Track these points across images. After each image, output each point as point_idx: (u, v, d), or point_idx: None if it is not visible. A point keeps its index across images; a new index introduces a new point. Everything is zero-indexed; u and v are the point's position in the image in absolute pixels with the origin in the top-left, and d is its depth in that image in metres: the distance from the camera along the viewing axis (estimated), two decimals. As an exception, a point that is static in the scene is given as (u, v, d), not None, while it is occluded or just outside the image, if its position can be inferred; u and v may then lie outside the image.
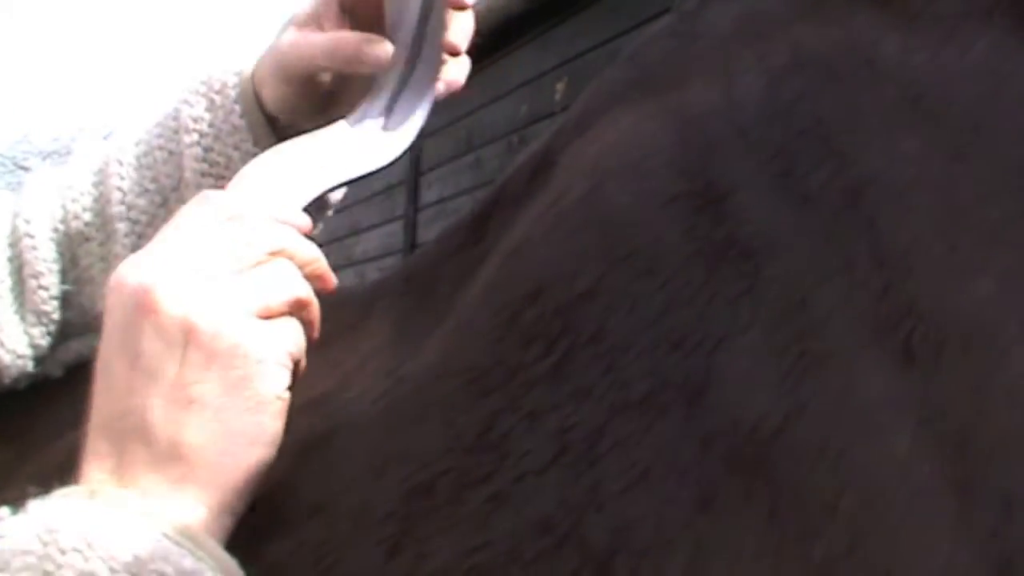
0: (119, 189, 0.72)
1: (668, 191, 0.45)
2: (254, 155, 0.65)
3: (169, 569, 0.41)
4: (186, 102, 0.71)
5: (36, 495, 0.45)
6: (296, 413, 0.49)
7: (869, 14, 0.44)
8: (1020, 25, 0.39)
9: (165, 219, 0.62)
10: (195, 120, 0.71)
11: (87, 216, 0.73)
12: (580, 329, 0.43)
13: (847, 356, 0.36)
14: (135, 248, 0.71)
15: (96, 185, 0.73)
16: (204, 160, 0.71)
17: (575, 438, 0.41)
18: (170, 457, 0.45)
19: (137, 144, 0.73)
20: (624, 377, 0.41)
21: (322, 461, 0.49)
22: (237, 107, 0.70)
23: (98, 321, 0.66)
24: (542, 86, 3.90)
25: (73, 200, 0.73)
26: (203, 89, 0.71)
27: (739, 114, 0.45)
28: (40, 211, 0.74)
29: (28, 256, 0.73)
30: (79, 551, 0.41)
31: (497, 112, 4.25)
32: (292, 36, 0.68)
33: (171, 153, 0.72)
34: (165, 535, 0.43)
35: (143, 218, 0.72)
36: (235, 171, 0.61)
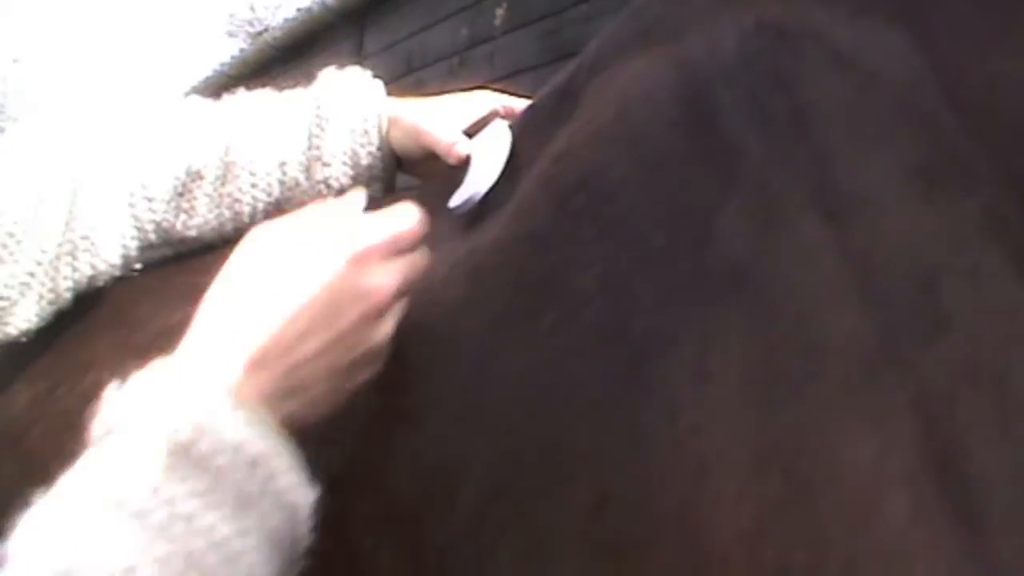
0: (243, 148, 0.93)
1: (672, 114, 0.66)
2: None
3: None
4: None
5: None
6: None
7: (808, -3, 0.66)
8: (897, 7, 0.61)
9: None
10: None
11: (209, 159, 0.93)
12: (618, 205, 0.65)
13: (794, 214, 0.58)
14: (253, 196, 0.92)
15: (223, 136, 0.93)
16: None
17: (613, 279, 0.63)
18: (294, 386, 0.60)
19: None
20: (649, 235, 0.63)
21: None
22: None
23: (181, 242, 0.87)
24: (482, 11, 4.05)
25: (198, 147, 0.93)
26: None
27: (721, 61, 0.67)
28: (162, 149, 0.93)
29: (148, 179, 0.92)
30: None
31: (438, 35, 4.39)
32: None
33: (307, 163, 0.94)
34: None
35: (261, 172, 0.93)
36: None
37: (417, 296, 0.70)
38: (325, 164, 0.94)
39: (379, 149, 0.95)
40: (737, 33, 0.67)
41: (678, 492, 0.54)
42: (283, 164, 0.93)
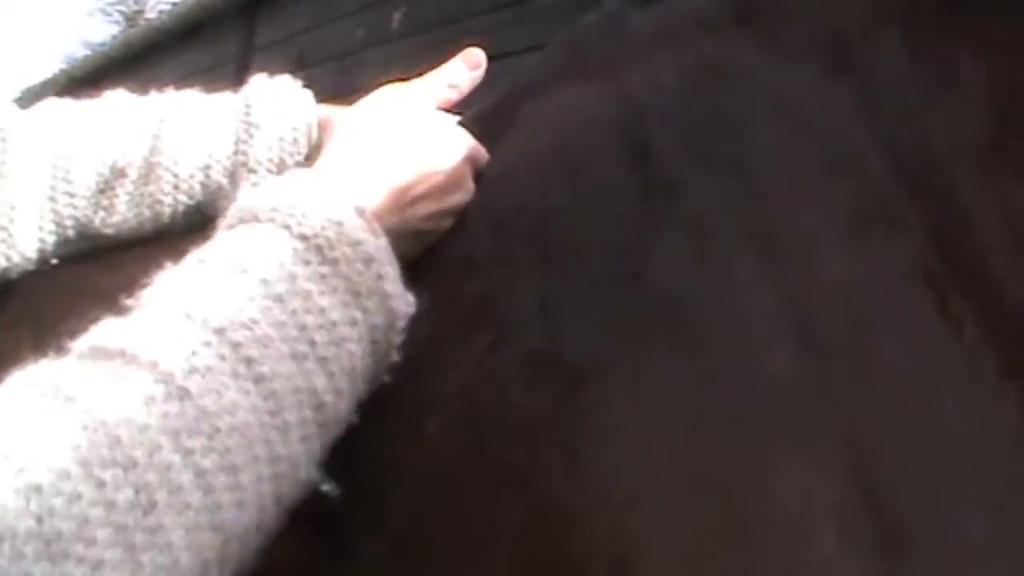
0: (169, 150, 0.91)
1: (611, 145, 0.68)
2: None
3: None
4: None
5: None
6: None
7: (747, 38, 0.69)
8: (835, 59, 0.64)
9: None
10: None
11: (133, 157, 0.91)
12: (552, 234, 0.66)
13: (730, 252, 0.61)
14: (175, 198, 0.91)
15: (152, 137, 0.91)
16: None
17: (553, 301, 0.64)
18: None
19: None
20: (585, 264, 0.64)
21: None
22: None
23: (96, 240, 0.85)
24: (380, 13, 4.04)
25: (122, 142, 0.91)
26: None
27: (660, 98, 0.69)
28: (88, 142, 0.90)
29: (71, 174, 0.89)
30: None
31: (332, 34, 4.36)
32: None
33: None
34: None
35: (184, 175, 0.91)
36: None
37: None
38: (251, 171, 0.93)
39: (307, 159, 0.95)
40: (678, 71, 0.70)
41: (610, 513, 0.56)
42: (207, 168, 0.93)
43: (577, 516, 0.57)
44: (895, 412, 0.54)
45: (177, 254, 0.90)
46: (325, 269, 0.59)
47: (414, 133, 0.71)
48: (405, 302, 0.63)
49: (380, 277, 0.61)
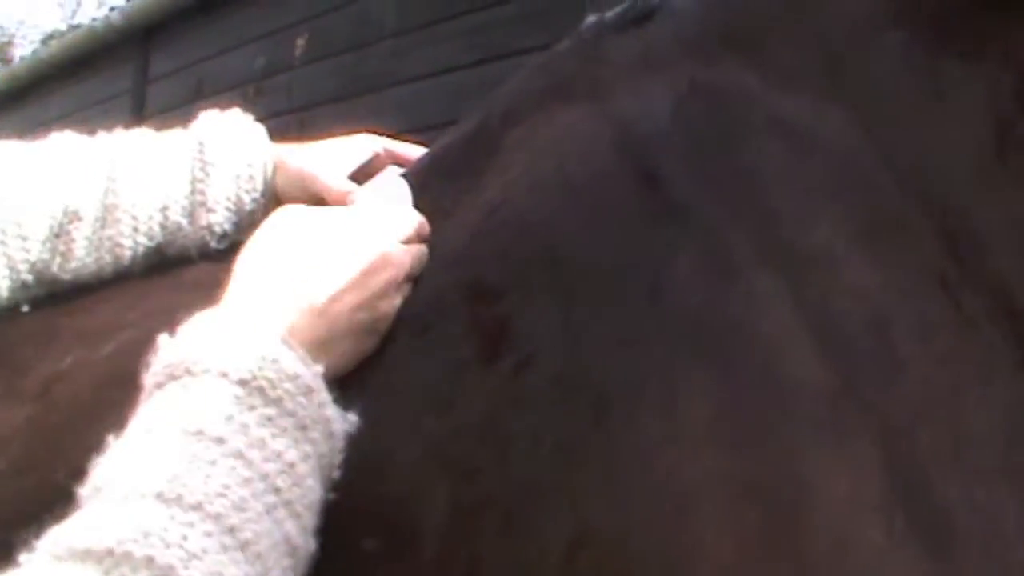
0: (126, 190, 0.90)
1: (614, 169, 0.70)
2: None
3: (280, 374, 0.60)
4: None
5: None
6: None
7: (736, 61, 0.71)
8: (832, 80, 0.67)
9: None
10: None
11: (88, 200, 0.89)
12: (565, 258, 0.68)
13: (746, 268, 0.63)
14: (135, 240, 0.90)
15: (108, 179, 0.90)
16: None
17: (573, 324, 0.65)
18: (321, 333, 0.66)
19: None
20: (603, 285, 0.66)
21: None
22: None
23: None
24: (281, 40, 4.01)
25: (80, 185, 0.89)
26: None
27: (657, 120, 0.71)
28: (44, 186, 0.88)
29: (23, 218, 0.88)
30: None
31: (231, 61, 4.31)
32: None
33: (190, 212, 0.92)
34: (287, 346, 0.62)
35: (143, 216, 0.90)
36: None
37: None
38: (209, 210, 0.93)
39: (263, 195, 0.95)
40: (671, 94, 0.72)
41: (658, 529, 0.57)
42: (165, 208, 0.92)
43: (624, 536, 0.58)
44: (923, 411, 0.57)
45: (141, 294, 0.89)
46: (271, 411, 0.59)
47: (309, 239, 0.70)
48: (346, 423, 0.64)
49: (321, 405, 0.61)
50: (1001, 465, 0.56)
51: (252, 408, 0.58)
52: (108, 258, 0.92)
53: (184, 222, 0.92)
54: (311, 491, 0.59)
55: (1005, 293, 0.59)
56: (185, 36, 4.54)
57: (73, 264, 0.91)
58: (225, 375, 0.59)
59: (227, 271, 0.87)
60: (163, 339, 0.64)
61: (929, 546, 0.54)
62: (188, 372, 0.60)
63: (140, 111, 4.70)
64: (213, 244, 0.92)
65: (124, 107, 4.74)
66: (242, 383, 0.59)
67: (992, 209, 0.60)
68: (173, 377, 0.60)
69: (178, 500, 0.53)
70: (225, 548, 0.53)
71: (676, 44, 0.75)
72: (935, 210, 0.61)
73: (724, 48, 0.73)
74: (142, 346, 0.81)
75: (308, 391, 0.61)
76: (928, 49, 0.65)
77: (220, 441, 0.56)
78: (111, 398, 0.78)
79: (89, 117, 4.93)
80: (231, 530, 0.53)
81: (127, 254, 0.92)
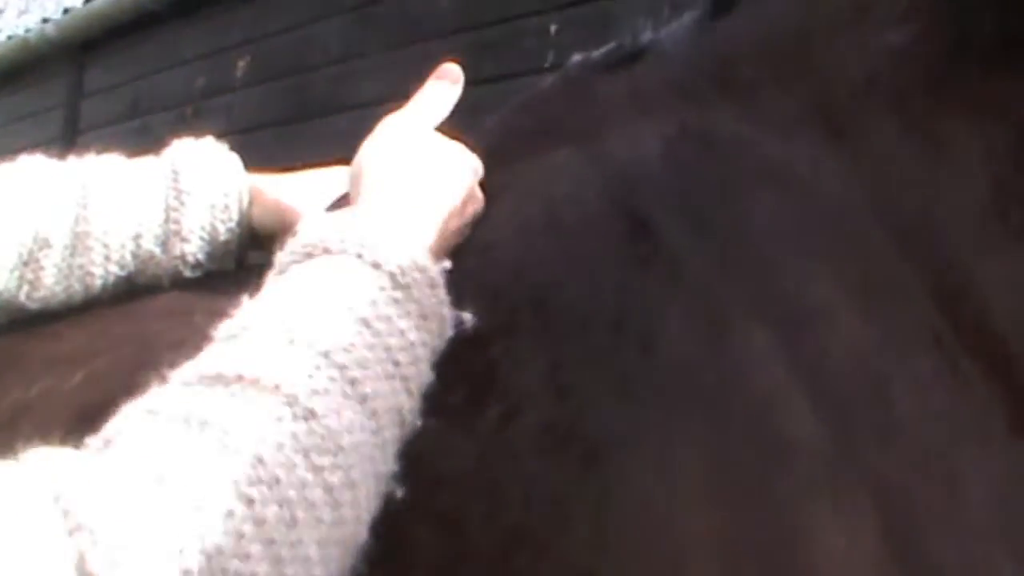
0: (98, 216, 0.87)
1: (603, 214, 0.69)
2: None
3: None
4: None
5: None
6: None
7: (729, 106, 0.71)
8: (827, 130, 0.67)
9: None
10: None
11: (58, 227, 0.86)
12: (554, 304, 0.67)
13: (740, 321, 0.63)
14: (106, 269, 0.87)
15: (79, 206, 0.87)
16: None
17: (562, 372, 0.64)
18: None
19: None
20: (593, 334, 0.65)
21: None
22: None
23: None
24: (221, 60, 3.96)
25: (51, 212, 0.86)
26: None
27: (647, 165, 0.70)
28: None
29: None
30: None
31: (169, 81, 4.24)
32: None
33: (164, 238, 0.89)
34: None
35: (115, 245, 0.87)
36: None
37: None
38: (183, 239, 0.91)
39: (238, 225, 0.94)
40: (660, 138, 0.72)
41: None
42: (138, 237, 0.90)
43: None
44: (920, 471, 0.56)
45: (111, 321, 0.86)
46: (399, 294, 0.62)
47: (432, 162, 0.75)
48: (456, 322, 0.67)
49: (440, 302, 0.65)
50: (996, 524, 0.56)
51: (382, 289, 0.62)
52: (78, 287, 0.90)
53: (157, 251, 0.91)
54: (423, 375, 0.62)
55: (1003, 354, 0.59)
56: (122, 52, 4.45)
57: (41, 293, 0.88)
58: (360, 257, 0.63)
59: (199, 299, 0.85)
60: (302, 223, 0.68)
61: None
62: (327, 251, 0.63)
63: (73, 126, 4.60)
64: (186, 273, 0.90)
65: (57, 122, 4.64)
66: (375, 266, 0.62)
67: (993, 267, 0.60)
68: (310, 256, 0.64)
69: (308, 344, 0.57)
70: (346, 396, 0.56)
71: (666, 87, 0.75)
72: (933, 267, 0.61)
73: (716, 93, 0.72)
74: (113, 375, 0.78)
75: (433, 284, 0.64)
76: (926, 104, 0.65)
77: (351, 309, 0.60)
78: (80, 431, 0.75)
79: (20, 130, 4.81)
80: (352, 382, 0.57)
81: (97, 283, 0.90)
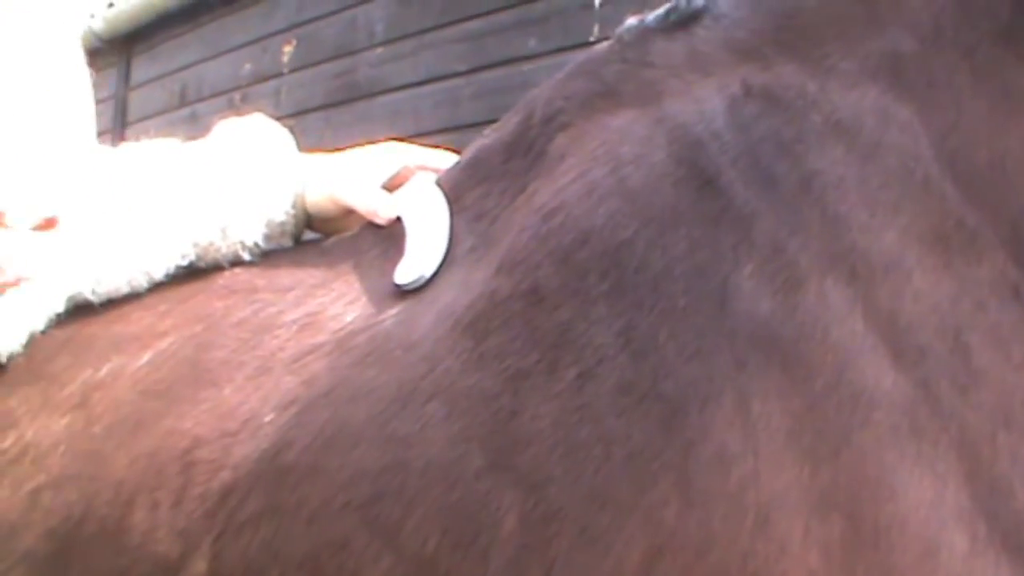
0: None
1: (672, 174, 0.69)
2: None
3: None
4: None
5: None
6: None
7: (791, 63, 0.71)
8: (894, 82, 0.67)
9: None
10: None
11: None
12: (626, 265, 0.67)
13: (814, 276, 0.62)
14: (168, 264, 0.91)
15: None
16: None
17: (636, 332, 0.65)
18: None
19: None
20: (667, 292, 0.65)
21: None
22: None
23: None
24: (268, 46, 3.98)
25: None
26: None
27: (711, 124, 0.70)
28: None
29: None
30: None
31: (217, 69, 4.26)
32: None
33: None
34: None
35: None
36: None
37: (403, 352, 0.70)
38: (242, 225, 0.93)
39: (293, 207, 0.96)
40: (725, 98, 0.71)
41: (739, 542, 0.57)
42: (197, 228, 0.92)
43: (704, 547, 0.57)
44: (1003, 421, 0.56)
45: (176, 301, 0.88)
46: None
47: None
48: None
49: None
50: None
51: None
52: (142, 280, 0.92)
53: (217, 238, 0.92)
54: None
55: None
56: (168, 42, 4.49)
57: (105, 287, 0.91)
58: None
59: (260, 277, 0.87)
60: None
61: (1011, 552, 0.53)
62: None
63: (123, 118, 4.65)
64: (245, 256, 0.92)
65: (107, 113, 4.69)
66: None
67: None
68: None
69: None
70: None
71: (725, 47, 0.74)
72: (1006, 218, 0.60)
73: (777, 51, 0.72)
74: (178, 354, 0.80)
75: None
76: (995, 54, 0.64)
77: None
78: (151, 407, 0.77)
79: (72, 124, 4.87)
80: None
81: (160, 277, 0.93)
